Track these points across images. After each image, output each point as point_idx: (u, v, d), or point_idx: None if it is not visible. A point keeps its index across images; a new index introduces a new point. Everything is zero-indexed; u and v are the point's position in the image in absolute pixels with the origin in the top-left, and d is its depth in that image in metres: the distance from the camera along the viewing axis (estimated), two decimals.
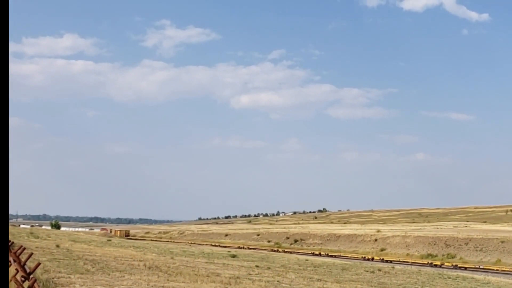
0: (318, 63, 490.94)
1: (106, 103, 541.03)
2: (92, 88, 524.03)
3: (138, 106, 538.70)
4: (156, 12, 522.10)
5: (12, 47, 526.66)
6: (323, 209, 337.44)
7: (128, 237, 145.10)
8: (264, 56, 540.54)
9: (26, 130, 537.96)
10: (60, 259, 33.69)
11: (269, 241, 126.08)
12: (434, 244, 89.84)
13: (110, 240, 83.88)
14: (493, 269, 66.80)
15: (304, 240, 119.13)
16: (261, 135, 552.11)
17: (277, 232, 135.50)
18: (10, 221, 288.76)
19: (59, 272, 25.12)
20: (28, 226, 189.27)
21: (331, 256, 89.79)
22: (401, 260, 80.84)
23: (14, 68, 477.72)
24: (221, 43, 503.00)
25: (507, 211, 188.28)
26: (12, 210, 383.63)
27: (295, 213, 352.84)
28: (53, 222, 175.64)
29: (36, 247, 42.62)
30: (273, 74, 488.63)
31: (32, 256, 18.67)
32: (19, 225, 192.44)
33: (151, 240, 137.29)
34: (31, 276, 13.66)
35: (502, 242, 79.51)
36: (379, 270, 50.11)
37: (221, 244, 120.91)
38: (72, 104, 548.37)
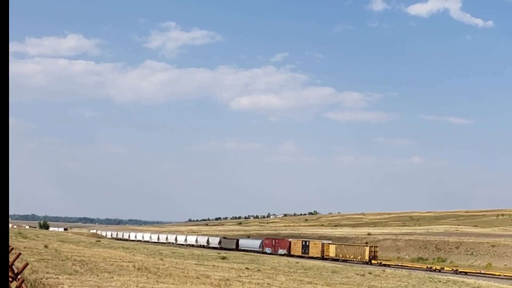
0: (320, 67, 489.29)
1: (104, 103, 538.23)
2: (92, 89, 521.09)
3: (137, 107, 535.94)
4: (162, 14, 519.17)
5: (15, 47, 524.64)
6: (314, 211, 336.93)
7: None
8: (267, 59, 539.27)
9: (21, 130, 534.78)
10: (49, 259, 33.41)
11: None
12: (425, 248, 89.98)
13: (99, 241, 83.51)
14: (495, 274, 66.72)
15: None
16: (258, 137, 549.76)
17: (268, 234, 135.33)
18: None
19: (47, 272, 24.87)
20: (61, 229, 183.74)
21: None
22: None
23: (15, 68, 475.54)
24: (225, 45, 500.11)
25: (498, 215, 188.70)
26: None
27: (285, 215, 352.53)
28: (42, 222, 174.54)
29: (24, 247, 42.29)
30: (275, 76, 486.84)
31: (20, 256, 18.40)
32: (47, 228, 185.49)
33: None
34: (19, 276, 13.42)
35: (493, 246, 79.70)
36: (370, 273, 50.05)
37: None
38: (69, 104, 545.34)
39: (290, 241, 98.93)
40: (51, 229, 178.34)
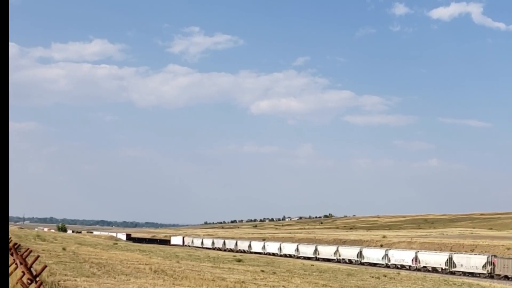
0: (341, 70, 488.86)
1: (126, 107, 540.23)
2: (114, 93, 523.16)
3: (157, 111, 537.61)
4: (186, 19, 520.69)
5: (40, 52, 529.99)
6: (329, 214, 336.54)
7: None
8: (289, 63, 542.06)
9: (42, 134, 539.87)
10: (66, 262, 33.79)
11: None
12: (440, 251, 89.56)
13: (116, 244, 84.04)
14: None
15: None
16: (276, 141, 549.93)
17: (283, 237, 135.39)
18: (17, 223, 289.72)
19: (65, 275, 25.22)
20: (113, 234, 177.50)
21: None
22: None
23: (39, 72, 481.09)
24: (247, 50, 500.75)
25: None
26: (19, 213, 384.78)
27: (301, 218, 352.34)
28: (60, 225, 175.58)
29: (43, 250, 42.78)
30: (296, 80, 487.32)
31: (39, 258, 18.79)
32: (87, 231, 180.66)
33: None
34: (37, 278, 13.76)
35: (508, 249, 79.24)
36: (385, 276, 50.04)
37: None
38: (91, 108, 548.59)
39: None
40: (97, 232, 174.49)
